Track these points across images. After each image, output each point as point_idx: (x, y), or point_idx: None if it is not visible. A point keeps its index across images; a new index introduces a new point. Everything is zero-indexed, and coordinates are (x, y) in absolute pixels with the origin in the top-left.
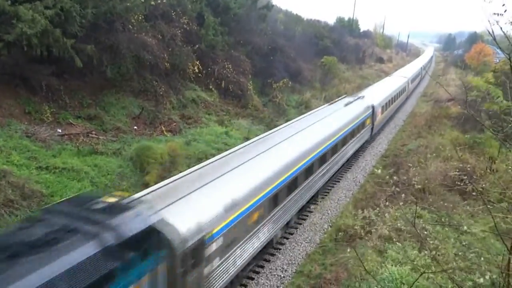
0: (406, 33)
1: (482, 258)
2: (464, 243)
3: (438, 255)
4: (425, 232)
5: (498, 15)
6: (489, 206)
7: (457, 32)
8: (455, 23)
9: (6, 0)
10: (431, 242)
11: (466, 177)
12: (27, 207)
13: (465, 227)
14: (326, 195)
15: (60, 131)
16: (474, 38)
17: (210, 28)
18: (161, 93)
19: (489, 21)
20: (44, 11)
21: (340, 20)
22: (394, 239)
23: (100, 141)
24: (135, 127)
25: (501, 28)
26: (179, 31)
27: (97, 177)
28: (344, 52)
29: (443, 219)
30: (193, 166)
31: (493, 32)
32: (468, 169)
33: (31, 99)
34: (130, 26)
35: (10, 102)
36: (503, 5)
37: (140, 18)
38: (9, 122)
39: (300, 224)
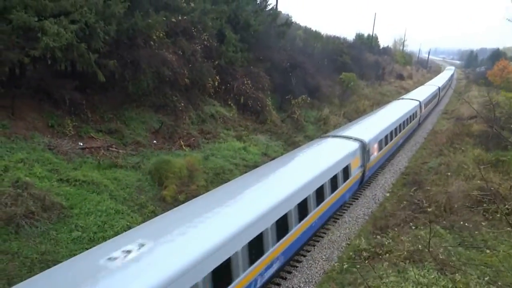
0: (426, 49)
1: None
2: (487, 266)
3: (460, 276)
4: (449, 254)
5: None
6: None
7: (479, 49)
8: (477, 40)
9: (32, 16)
10: (451, 263)
11: (489, 196)
12: (47, 219)
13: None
14: (344, 212)
15: (81, 144)
16: (496, 55)
17: (230, 45)
18: (180, 108)
19: None
20: (69, 25)
21: (359, 37)
22: (414, 260)
23: (120, 155)
24: (154, 141)
25: None
26: (199, 47)
27: (116, 190)
28: (363, 69)
29: (465, 240)
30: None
31: None
32: (492, 188)
33: (54, 113)
34: (151, 42)
35: (34, 116)
36: None
37: (161, 34)
38: (33, 135)
39: (318, 241)
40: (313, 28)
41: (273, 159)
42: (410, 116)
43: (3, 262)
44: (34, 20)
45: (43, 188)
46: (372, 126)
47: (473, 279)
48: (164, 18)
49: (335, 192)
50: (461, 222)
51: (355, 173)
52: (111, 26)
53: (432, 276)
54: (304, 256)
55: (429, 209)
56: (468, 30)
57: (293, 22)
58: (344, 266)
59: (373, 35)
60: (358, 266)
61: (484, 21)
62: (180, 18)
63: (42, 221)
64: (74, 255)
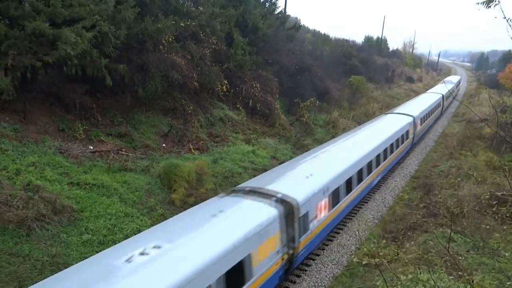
0: (436, 52)
1: None
2: (500, 271)
3: (473, 281)
4: (459, 258)
5: None
6: None
7: (490, 51)
8: (488, 42)
9: (46, 23)
10: (461, 268)
11: (498, 201)
12: (58, 222)
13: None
14: (353, 216)
15: (91, 148)
16: (508, 57)
17: (239, 48)
18: (189, 111)
19: None
20: (85, 33)
21: (368, 40)
22: (425, 264)
23: (130, 158)
24: (164, 145)
25: None
26: (208, 51)
27: (126, 193)
28: (373, 72)
29: (476, 244)
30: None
31: None
32: (505, 192)
33: (65, 117)
34: (160, 46)
35: (45, 120)
36: None
37: (170, 38)
38: (44, 139)
39: (327, 245)
40: (322, 31)
41: (282, 162)
42: (436, 105)
43: (14, 264)
44: (48, 27)
45: (54, 192)
46: (415, 107)
47: (486, 285)
48: (173, 23)
49: (402, 145)
50: (473, 226)
51: (410, 136)
52: (121, 30)
53: (444, 282)
54: (313, 260)
55: (447, 211)
56: (479, 30)
57: (301, 25)
58: (353, 270)
59: (382, 37)
60: (368, 270)
61: (494, 21)
62: (189, 22)
63: (52, 224)
64: (85, 258)
